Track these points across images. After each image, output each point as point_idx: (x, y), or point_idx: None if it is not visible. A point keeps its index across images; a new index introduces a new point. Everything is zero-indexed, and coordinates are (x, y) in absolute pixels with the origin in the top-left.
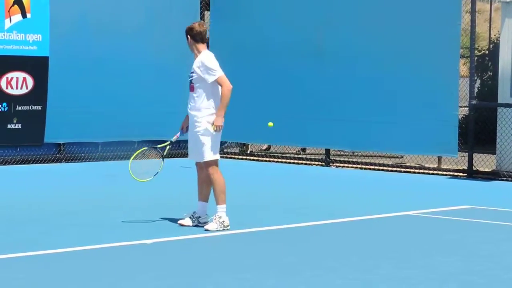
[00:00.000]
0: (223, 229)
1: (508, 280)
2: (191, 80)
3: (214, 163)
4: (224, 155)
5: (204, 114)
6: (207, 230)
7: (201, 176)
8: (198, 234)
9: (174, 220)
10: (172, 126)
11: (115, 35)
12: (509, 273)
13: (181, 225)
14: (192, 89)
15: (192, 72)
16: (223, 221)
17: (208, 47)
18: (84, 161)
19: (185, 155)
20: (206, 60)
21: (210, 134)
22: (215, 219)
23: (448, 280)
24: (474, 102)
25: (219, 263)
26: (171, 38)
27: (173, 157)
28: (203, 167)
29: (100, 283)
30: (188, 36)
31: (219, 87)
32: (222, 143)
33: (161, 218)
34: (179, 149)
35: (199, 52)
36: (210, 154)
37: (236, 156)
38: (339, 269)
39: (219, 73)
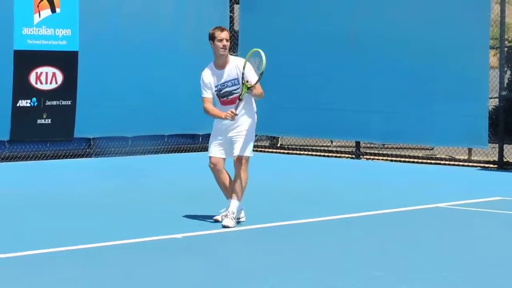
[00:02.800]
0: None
1: None
2: (231, 91)
3: (249, 160)
4: (254, 149)
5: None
6: (225, 226)
7: (224, 175)
8: (230, 228)
9: (204, 215)
10: (202, 120)
11: (145, 29)
12: None
13: (216, 220)
14: (235, 98)
15: (234, 80)
16: (237, 216)
17: (237, 40)
18: (114, 156)
19: None
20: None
21: (252, 132)
22: (228, 214)
23: (480, 271)
24: (504, 93)
25: (267, 261)
26: (201, 32)
27: (203, 150)
28: (237, 163)
29: (145, 277)
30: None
31: None
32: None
33: (192, 213)
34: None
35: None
36: (251, 150)
37: (267, 150)
38: (369, 261)
39: None
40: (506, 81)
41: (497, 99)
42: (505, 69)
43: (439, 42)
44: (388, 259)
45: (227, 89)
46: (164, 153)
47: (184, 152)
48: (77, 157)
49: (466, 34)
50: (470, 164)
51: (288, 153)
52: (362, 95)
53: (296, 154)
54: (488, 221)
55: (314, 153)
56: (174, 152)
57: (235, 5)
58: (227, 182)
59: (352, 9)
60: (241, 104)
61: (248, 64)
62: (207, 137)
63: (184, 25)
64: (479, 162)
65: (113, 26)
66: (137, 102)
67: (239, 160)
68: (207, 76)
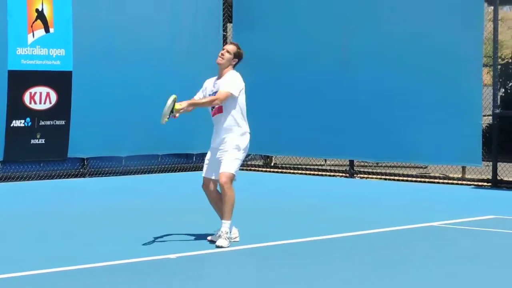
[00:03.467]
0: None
1: None
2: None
3: (233, 177)
4: (248, 168)
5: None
6: (219, 246)
7: (214, 195)
8: (223, 249)
9: (199, 235)
10: (196, 140)
11: (140, 49)
12: None
13: (211, 241)
14: (220, 109)
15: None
16: (230, 236)
17: None
18: (108, 176)
19: None
20: None
21: (238, 149)
22: (221, 235)
23: None
24: (497, 110)
25: (260, 281)
26: (196, 51)
27: (196, 170)
28: (219, 181)
29: None
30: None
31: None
32: (245, 156)
33: (186, 233)
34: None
35: None
36: (234, 168)
37: (260, 169)
38: (364, 282)
39: None
40: (499, 98)
41: (490, 117)
42: (499, 86)
43: (433, 59)
44: (380, 278)
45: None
46: (158, 172)
47: (178, 171)
48: (71, 177)
49: (460, 51)
50: (464, 182)
51: (282, 172)
52: (355, 114)
53: (290, 173)
54: (483, 240)
55: (308, 172)
56: (168, 172)
57: (228, 24)
58: (219, 202)
59: (345, 27)
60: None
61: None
62: (201, 156)
63: (179, 45)
64: (473, 180)
65: (107, 45)
66: (131, 122)
67: (220, 177)
68: (208, 80)
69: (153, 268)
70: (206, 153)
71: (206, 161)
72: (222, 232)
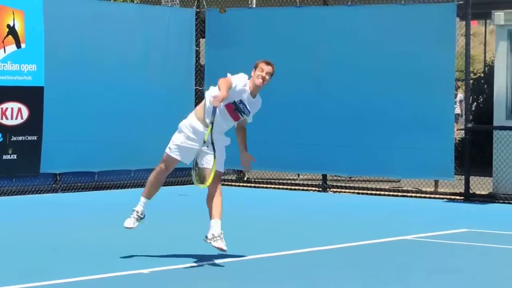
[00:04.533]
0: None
1: None
2: (242, 113)
3: None
4: (221, 183)
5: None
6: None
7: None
8: (193, 264)
9: (173, 249)
10: None
11: (112, 64)
12: None
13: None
14: (236, 117)
15: (247, 110)
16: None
17: (203, 74)
18: (81, 191)
19: (182, 182)
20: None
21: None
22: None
23: None
24: (470, 125)
25: None
26: (168, 66)
27: (170, 185)
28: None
29: None
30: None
31: None
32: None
33: (160, 247)
34: (175, 177)
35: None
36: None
37: (233, 183)
38: None
39: None
40: (471, 113)
41: (463, 131)
42: (471, 101)
43: (406, 74)
44: None
45: (241, 110)
46: (131, 187)
47: None
48: (44, 193)
49: (432, 66)
50: (437, 196)
51: (255, 187)
52: (328, 128)
53: (263, 187)
54: (455, 253)
55: (281, 186)
56: (141, 187)
57: (201, 39)
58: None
59: (318, 43)
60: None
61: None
62: (173, 171)
63: (151, 60)
64: (446, 194)
65: (79, 61)
66: (104, 137)
67: (219, 176)
68: (241, 84)
69: (126, 283)
70: (179, 168)
71: (183, 142)
72: (218, 233)
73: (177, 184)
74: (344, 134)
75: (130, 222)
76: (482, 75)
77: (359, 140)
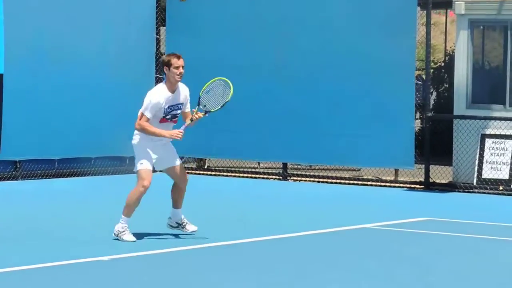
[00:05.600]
0: None
1: None
2: (176, 114)
3: None
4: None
5: None
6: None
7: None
8: (152, 251)
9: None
10: (128, 142)
11: (72, 51)
12: (466, 284)
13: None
14: (175, 120)
15: (180, 104)
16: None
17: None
18: (41, 178)
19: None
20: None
21: None
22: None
23: None
24: (430, 114)
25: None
26: (127, 55)
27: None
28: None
29: None
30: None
31: None
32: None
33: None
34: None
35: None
36: None
37: (194, 171)
38: (296, 284)
39: None
40: (432, 102)
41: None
42: (431, 90)
43: (366, 63)
44: (308, 280)
45: (174, 112)
46: (91, 175)
47: (111, 174)
48: (3, 180)
49: (393, 55)
50: (397, 185)
51: (215, 175)
52: (289, 117)
53: (223, 176)
54: (414, 241)
55: (241, 174)
56: (101, 175)
57: (161, 27)
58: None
59: (278, 35)
60: (190, 125)
61: (212, 89)
62: (133, 159)
63: (112, 48)
64: (406, 182)
65: (39, 48)
66: (64, 124)
67: (184, 171)
68: (160, 97)
69: (86, 270)
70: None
71: (152, 157)
72: (185, 220)
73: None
74: (304, 123)
75: (130, 237)
76: (443, 64)
77: (319, 129)
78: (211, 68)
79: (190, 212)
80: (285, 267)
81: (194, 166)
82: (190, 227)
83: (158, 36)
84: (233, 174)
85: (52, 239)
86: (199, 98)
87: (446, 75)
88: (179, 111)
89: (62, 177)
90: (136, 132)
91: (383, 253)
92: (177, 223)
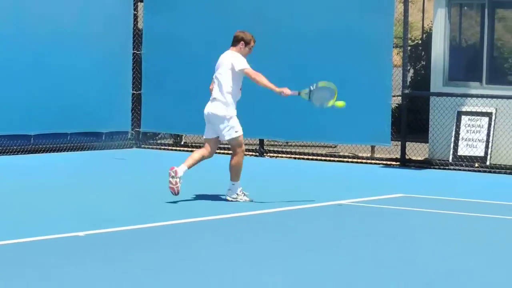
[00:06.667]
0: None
1: (441, 267)
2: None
3: None
4: (157, 147)
5: None
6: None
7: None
8: (128, 227)
9: (108, 212)
10: (105, 118)
11: (49, 27)
12: (442, 260)
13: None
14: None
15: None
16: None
17: (141, 38)
18: (17, 154)
19: (118, 146)
20: None
21: None
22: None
23: (382, 269)
24: (407, 91)
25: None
26: (105, 30)
27: (106, 149)
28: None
29: (30, 276)
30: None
31: None
32: (155, 134)
33: (95, 209)
34: (112, 141)
35: None
36: None
37: (170, 148)
38: (270, 259)
39: None
40: (409, 79)
41: (400, 97)
42: (408, 67)
43: (344, 40)
44: (284, 256)
45: None
46: (67, 151)
47: (88, 150)
48: None
49: (370, 32)
50: (373, 161)
51: (192, 151)
52: (264, 93)
53: None
54: (390, 217)
55: (218, 151)
56: (77, 150)
57: (139, 3)
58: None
59: (254, 9)
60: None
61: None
62: (110, 135)
63: (89, 24)
64: (382, 159)
65: (15, 25)
66: (40, 100)
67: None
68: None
69: (62, 245)
70: (116, 132)
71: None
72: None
73: (113, 148)
74: (280, 99)
75: (247, 197)
76: (420, 42)
77: (296, 106)
78: (188, 45)
79: (164, 189)
80: (259, 243)
81: (170, 142)
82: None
83: (135, 12)
84: None
85: (27, 214)
86: (311, 90)
87: (423, 52)
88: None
89: (38, 152)
90: (226, 100)
91: (358, 229)
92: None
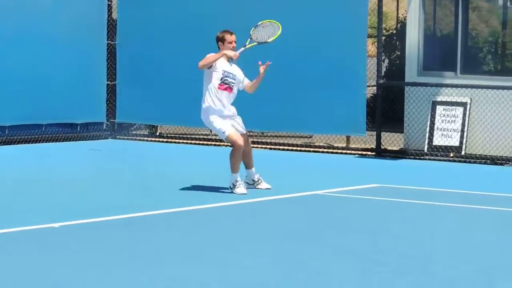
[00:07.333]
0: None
1: (416, 257)
2: (231, 83)
3: None
4: (132, 138)
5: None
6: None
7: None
8: (105, 218)
9: (83, 204)
10: (80, 109)
11: (21, 17)
12: (416, 249)
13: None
14: (230, 90)
15: (234, 75)
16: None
17: (115, 29)
18: None
19: (93, 137)
20: None
21: None
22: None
23: (356, 259)
24: (381, 81)
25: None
26: (78, 20)
27: (81, 139)
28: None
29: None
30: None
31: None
32: (131, 125)
33: (70, 202)
34: (87, 131)
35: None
36: None
37: (146, 138)
38: (247, 250)
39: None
40: (384, 69)
41: (375, 87)
42: (383, 57)
43: (318, 30)
44: (259, 247)
45: (229, 79)
46: (42, 142)
47: (62, 141)
48: None
49: (345, 23)
50: (348, 151)
51: (167, 142)
52: None
53: (175, 142)
54: (366, 208)
55: (193, 141)
56: (52, 141)
57: None
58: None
59: (230, 3)
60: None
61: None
62: (85, 126)
63: (62, 14)
64: (357, 149)
65: None
66: (14, 91)
67: (246, 134)
68: (221, 60)
69: (37, 236)
70: (91, 123)
71: (231, 125)
72: (258, 177)
73: (89, 139)
74: (256, 90)
75: (242, 189)
76: (395, 31)
77: (271, 96)
78: (162, 35)
79: (140, 179)
80: (236, 234)
81: (146, 132)
82: (264, 185)
83: (110, 3)
84: (185, 141)
85: (1, 206)
86: (251, 33)
87: (398, 42)
88: (233, 82)
89: (13, 144)
90: (204, 107)
91: (334, 219)
92: (253, 180)
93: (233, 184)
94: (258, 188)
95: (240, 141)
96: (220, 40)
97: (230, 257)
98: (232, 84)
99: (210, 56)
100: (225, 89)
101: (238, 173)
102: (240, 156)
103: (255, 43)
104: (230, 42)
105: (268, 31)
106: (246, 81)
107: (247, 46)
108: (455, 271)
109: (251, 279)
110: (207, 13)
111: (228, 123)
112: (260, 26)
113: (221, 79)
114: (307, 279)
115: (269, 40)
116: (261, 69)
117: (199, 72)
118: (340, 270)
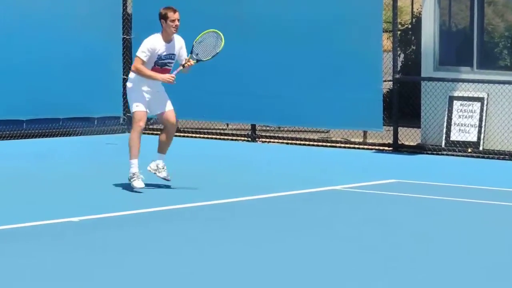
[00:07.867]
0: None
1: (432, 253)
2: (167, 63)
3: None
4: (149, 132)
5: None
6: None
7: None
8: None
9: (102, 197)
10: (96, 103)
11: (39, 12)
12: (433, 246)
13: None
14: (167, 70)
15: (173, 54)
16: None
17: (131, 23)
18: (9, 139)
19: (110, 131)
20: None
21: None
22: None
23: (373, 254)
24: (398, 76)
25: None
26: (95, 14)
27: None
28: (174, 118)
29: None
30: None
31: None
32: (148, 119)
33: (89, 196)
34: (104, 126)
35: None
36: None
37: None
38: (264, 245)
39: None
40: (399, 64)
41: (391, 82)
42: (399, 52)
43: (334, 25)
44: (277, 241)
45: (166, 61)
46: (60, 136)
47: (79, 135)
48: None
49: (360, 17)
50: (365, 147)
51: (183, 136)
52: (257, 79)
53: (191, 137)
54: (383, 203)
55: (209, 136)
56: (70, 136)
57: None
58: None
59: None
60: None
61: (205, 40)
62: (102, 120)
63: (78, 8)
64: (374, 144)
65: (7, 9)
66: (32, 85)
67: (173, 116)
68: (156, 43)
69: (57, 230)
70: (108, 117)
71: (146, 100)
72: (161, 164)
73: (106, 133)
74: (273, 84)
75: (139, 183)
76: (410, 26)
77: (288, 90)
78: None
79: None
80: (253, 230)
81: (161, 127)
82: (163, 174)
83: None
84: (201, 136)
85: (21, 200)
86: (192, 47)
87: (413, 37)
88: (171, 62)
89: (30, 138)
90: (130, 76)
91: (351, 214)
92: (157, 166)
93: (130, 176)
94: (157, 176)
95: (141, 123)
96: (163, 17)
97: (248, 251)
98: (170, 64)
99: (145, 70)
100: (160, 71)
101: (136, 160)
102: (137, 139)
103: (195, 60)
104: (173, 21)
105: (210, 44)
106: (183, 59)
107: (186, 65)
108: (472, 268)
109: (267, 272)
110: (222, 6)
111: (145, 99)
112: (201, 42)
113: (154, 63)
114: (324, 273)
115: (214, 52)
116: (186, 64)
117: (213, 65)
118: (356, 265)
